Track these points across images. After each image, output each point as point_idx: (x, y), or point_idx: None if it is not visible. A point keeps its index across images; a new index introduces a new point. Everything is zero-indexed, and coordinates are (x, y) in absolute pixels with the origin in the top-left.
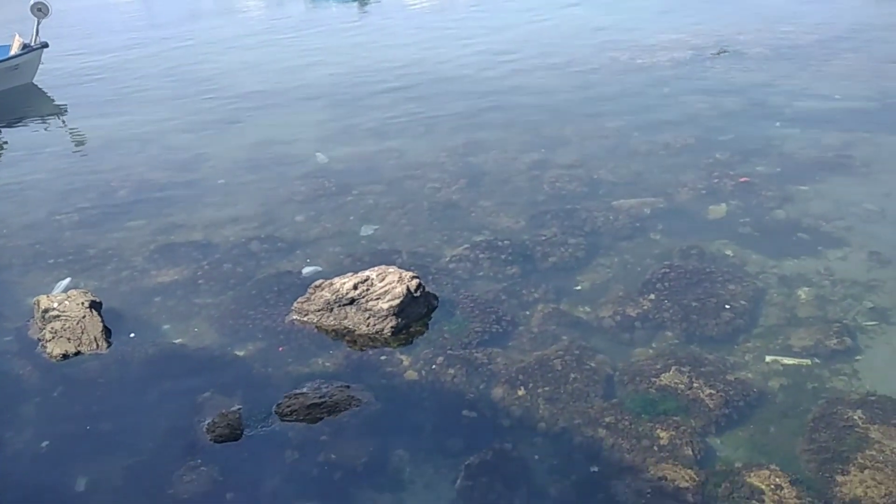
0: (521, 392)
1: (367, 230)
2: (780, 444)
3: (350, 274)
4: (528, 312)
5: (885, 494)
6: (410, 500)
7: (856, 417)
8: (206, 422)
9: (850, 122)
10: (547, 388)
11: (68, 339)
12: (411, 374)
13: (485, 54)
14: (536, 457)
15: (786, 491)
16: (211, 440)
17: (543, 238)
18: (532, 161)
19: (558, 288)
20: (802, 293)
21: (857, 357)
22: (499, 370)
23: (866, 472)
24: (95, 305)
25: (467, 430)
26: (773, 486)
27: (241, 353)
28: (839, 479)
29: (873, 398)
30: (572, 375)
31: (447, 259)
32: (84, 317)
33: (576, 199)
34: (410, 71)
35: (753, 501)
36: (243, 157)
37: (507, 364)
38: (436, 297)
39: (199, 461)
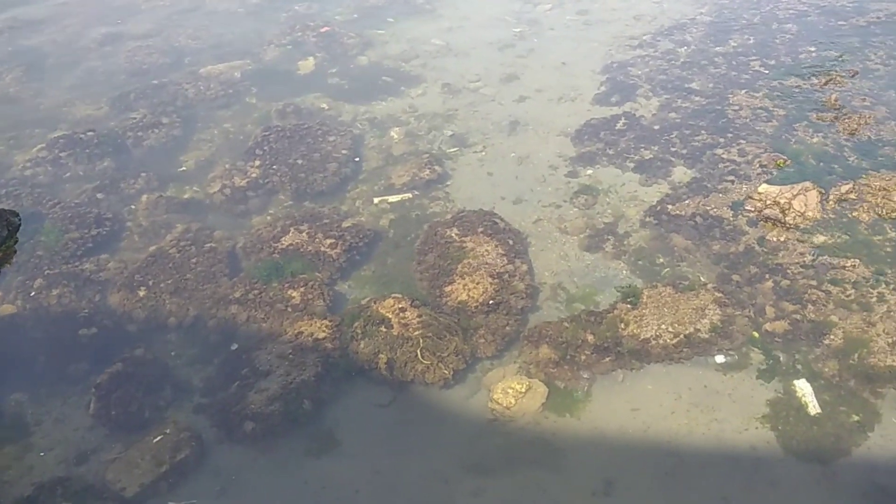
0: (142, 292)
1: None
2: (398, 273)
3: None
4: (132, 206)
5: (483, 292)
6: (44, 443)
7: (453, 234)
8: None
9: None
10: (170, 281)
11: None
12: (7, 309)
13: None
14: (173, 353)
15: (408, 312)
16: None
17: (133, 121)
18: (101, 36)
19: (161, 173)
20: (395, 133)
21: (447, 182)
22: (112, 276)
23: (466, 277)
24: None
25: (90, 350)
26: (397, 311)
27: None
28: (447, 289)
29: (463, 214)
30: (193, 260)
31: (20, 166)
32: None
33: (160, 73)
34: None
35: (383, 328)
36: None
37: (121, 267)
38: (15, 214)
39: None
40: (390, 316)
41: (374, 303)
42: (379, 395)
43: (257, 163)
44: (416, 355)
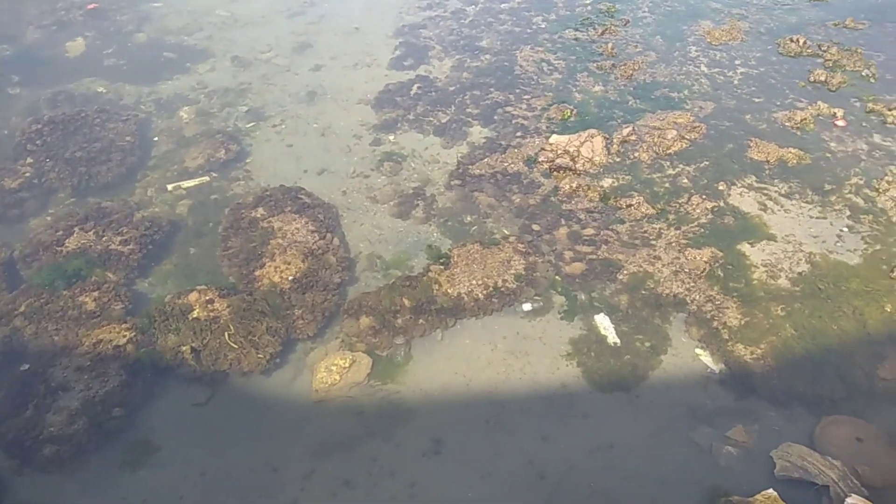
0: None
1: None
2: (203, 263)
3: None
4: None
5: (296, 270)
6: None
7: (258, 215)
8: None
9: None
10: None
11: None
12: None
13: None
14: None
15: (217, 303)
16: None
17: None
18: None
19: None
20: (184, 113)
21: (247, 160)
22: None
23: (277, 258)
24: None
25: None
26: (204, 303)
27: None
28: (258, 273)
29: (268, 193)
30: None
31: None
32: None
33: None
34: None
35: (190, 322)
36: None
37: None
38: None
39: None
40: (197, 309)
41: (179, 298)
42: (196, 394)
43: (29, 160)
44: (225, 340)
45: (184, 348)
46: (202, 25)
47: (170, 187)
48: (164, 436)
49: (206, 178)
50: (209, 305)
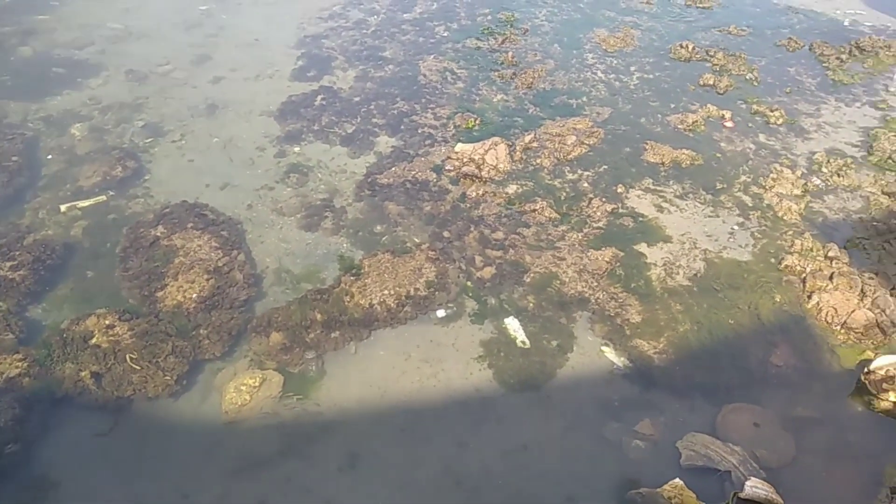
0: None
1: None
2: (101, 286)
3: None
4: None
5: (200, 289)
6: None
7: (158, 234)
8: None
9: None
10: None
11: None
12: None
13: None
14: None
15: (118, 328)
16: None
17: None
18: None
19: None
20: (76, 130)
21: (146, 177)
22: None
23: (180, 277)
24: None
25: None
26: (104, 328)
27: None
28: (160, 294)
29: (168, 210)
30: None
31: None
32: None
33: None
34: None
35: (90, 349)
36: None
37: None
38: None
39: None
40: (97, 335)
41: (77, 324)
42: (98, 423)
43: None
44: (128, 363)
45: (83, 374)
46: (94, 39)
47: (63, 208)
48: (64, 470)
49: (103, 197)
50: (110, 330)
